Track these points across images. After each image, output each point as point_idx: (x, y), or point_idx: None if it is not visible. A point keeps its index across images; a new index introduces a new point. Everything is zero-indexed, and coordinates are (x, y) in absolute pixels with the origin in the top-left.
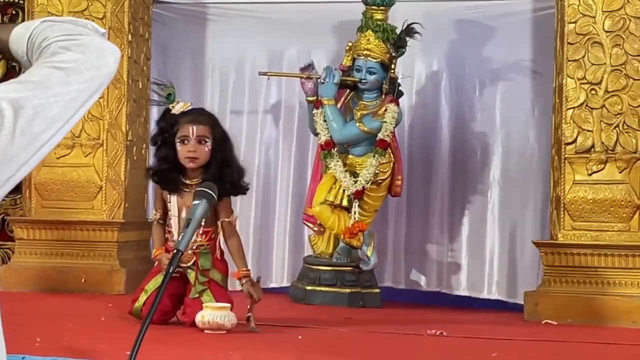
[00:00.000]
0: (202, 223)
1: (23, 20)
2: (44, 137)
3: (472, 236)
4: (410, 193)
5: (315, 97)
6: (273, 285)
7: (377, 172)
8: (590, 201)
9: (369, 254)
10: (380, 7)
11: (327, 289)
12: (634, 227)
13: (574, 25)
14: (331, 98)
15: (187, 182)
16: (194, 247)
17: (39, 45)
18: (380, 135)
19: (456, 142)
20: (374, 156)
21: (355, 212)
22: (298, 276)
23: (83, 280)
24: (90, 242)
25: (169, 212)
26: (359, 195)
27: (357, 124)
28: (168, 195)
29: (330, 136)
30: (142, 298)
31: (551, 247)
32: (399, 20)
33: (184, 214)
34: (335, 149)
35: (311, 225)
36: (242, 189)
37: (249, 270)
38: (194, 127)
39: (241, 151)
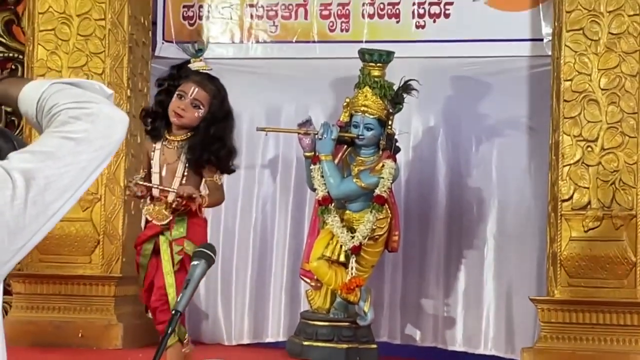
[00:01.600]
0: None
1: (23, 75)
2: (55, 206)
3: (468, 291)
4: (407, 248)
5: (313, 153)
6: (269, 339)
7: (374, 227)
8: (587, 258)
9: (366, 309)
10: (378, 64)
11: (324, 344)
12: (630, 284)
13: (570, 82)
14: (329, 154)
15: (170, 137)
16: (171, 205)
17: (48, 110)
18: (377, 191)
19: (453, 197)
20: (371, 212)
21: (352, 268)
22: (295, 331)
23: (80, 335)
24: (87, 297)
25: (151, 169)
26: (356, 250)
27: (354, 180)
28: (152, 153)
29: (328, 192)
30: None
31: (548, 304)
32: (396, 77)
33: (164, 172)
34: (333, 204)
35: (308, 281)
36: (227, 167)
37: (201, 199)
38: (195, 89)
39: (238, 206)
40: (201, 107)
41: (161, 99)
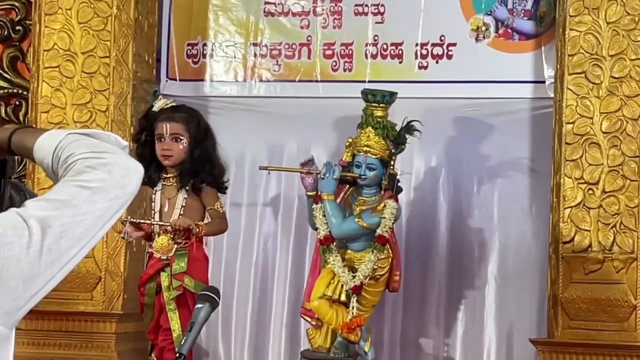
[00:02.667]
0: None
1: (27, 112)
2: (70, 254)
3: (468, 331)
4: (407, 287)
5: (315, 192)
6: None
7: (375, 267)
8: (587, 300)
9: (366, 349)
10: (381, 105)
11: None
12: (631, 327)
13: (571, 125)
14: (331, 193)
15: (166, 176)
16: (173, 237)
17: (64, 160)
18: (379, 231)
19: (454, 238)
20: (372, 252)
21: (353, 307)
22: None
23: None
24: (88, 333)
25: (152, 211)
26: (357, 290)
27: (356, 220)
28: (153, 195)
29: (330, 231)
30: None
31: (548, 345)
32: (398, 117)
33: (166, 208)
34: (334, 243)
35: (309, 319)
36: (221, 186)
37: (198, 228)
38: (168, 125)
39: (239, 243)
40: (181, 137)
41: (141, 152)
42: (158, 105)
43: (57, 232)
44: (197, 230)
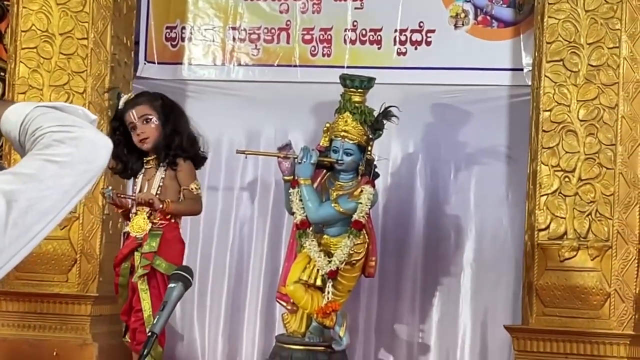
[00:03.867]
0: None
1: (4, 93)
2: (36, 229)
3: (444, 318)
4: (383, 273)
5: (292, 177)
6: None
7: (351, 252)
8: (562, 288)
9: (341, 334)
10: (359, 90)
11: None
12: (605, 314)
13: (549, 113)
14: (308, 178)
15: (147, 159)
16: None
17: (32, 133)
18: (355, 216)
19: (430, 224)
20: (348, 237)
21: (328, 292)
22: (270, 354)
23: (55, 354)
24: (63, 315)
25: (133, 193)
26: (333, 275)
27: (332, 205)
28: (136, 180)
29: (306, 216)
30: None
31: (522, 332)
32: (376, 103)
33: (145, 188)
34: (311, 228)
35: (284, 304)
36: (196, 157)
37: (163, 204)
38: (133, 111)
39: (215, 227)
40: (150, 116)
41: (116, 153)
42: (122, 100)
43: (22, 206)
44: (162, 206)
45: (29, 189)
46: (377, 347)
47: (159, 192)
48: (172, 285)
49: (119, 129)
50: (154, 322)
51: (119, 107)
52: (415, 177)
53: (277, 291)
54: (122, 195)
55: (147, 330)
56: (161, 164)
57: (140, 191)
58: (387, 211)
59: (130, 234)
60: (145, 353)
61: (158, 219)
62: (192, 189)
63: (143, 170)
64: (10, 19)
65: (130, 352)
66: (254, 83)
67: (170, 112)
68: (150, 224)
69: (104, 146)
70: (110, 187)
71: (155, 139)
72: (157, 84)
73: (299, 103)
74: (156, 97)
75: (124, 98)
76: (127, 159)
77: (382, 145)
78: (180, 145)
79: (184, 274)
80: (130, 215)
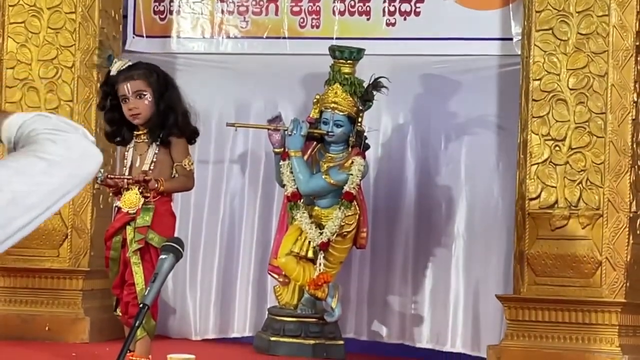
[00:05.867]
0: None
1: None
2: (19, 223)
3: (436, 288)
4: (375, 245)
5: (283, 149)
6: (235, 335)
7: (342, 224)
8: (553, 256)
9: (333, 305)
10: (348, 61)
11: (291, 340)
12: (596, 283)
13: (538, 82)
14: (298, 150)
15: (137, 133)
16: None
17: (27, 135)
18: (346, 188)
19: (421, 195)
20: (339, 208)
21: (320, 264)
22: (262, 327)
23: (47, 329)
24: (54, 290)
25: (124, 167)
26: (324, 247)
27: (323, 176)
28: (126, 153)
29: (297, 188)
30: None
31: (514, 302)
32: (366, 74)
33: (137, 164)
34: (302, 200)
35: (276, 276)
36: (190, 133)
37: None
38: (128, 85)
39: (206, 200)
40: (144, 93)
41: (110, 117)
42: (115, 67)
43: (6, 198)
44: (156, 185)
45: (15, 182)
46: (369, 319)
47: (152, 167)
48: (163, 256)
49: (110, 94)
50: (145, 293)
51: (112, 74)
52: (406, 148)
53: (269, 263)
54: (113, 177)
55: (139, 302)
56: (155, 142)
57: (132, 166)
58: (378, 182)
59: (122, 209)
60: (137, 325)
61: (150, 193)
62: (185, 164)
63: (133, 144)
64: None
65: (122, 325)
66: (243, 55)
67: (165, 89)
68: (142, 199)
69: (95, 156)
70: (101, 169)
71: (147, 116)
72: (146, 58)
73: (288, 75)
74: (152, 71)
75: (117, 64)
76: (120, 125)
77: (372, 117)
78: (174, 124)
79: (175, 245)
80: (122, 190)
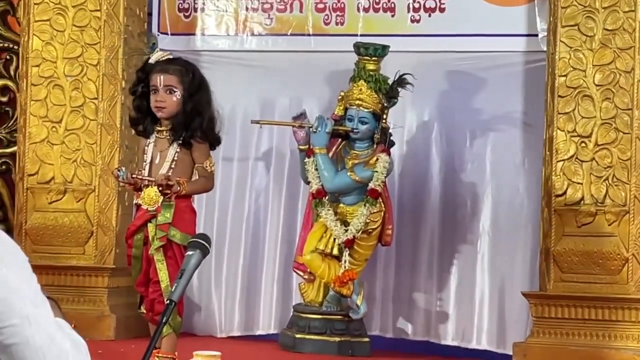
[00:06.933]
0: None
1: (17, 66)
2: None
3: (461, 286)
4: (400, 242)
5: (307, 146)
6: (260, 332)
7: (367, 221)
8: (579, 253)
9: (358, 302)
10: (373, 58)
11: (316, 337)
12: (623, 279)
13: (564, 78)
14: (323, 147)
15: (159, 128)
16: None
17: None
18: (371, 185)
19: (446, 192)
20: (364, 205)
21: (345, 261)
22: (287, 324)
23: (73, 326)
24: (80, 288)
25: (144, 162)
26: (349, 244)
27: (348, 173)
28: (146, 147)
29: (322, 185)
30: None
31: (540, 299)
32: (391, 71)
33: (157, 160)
34: (327, 197)
35: (301, 273)
36: (212, 139)
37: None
38: (162, 77)
39: (231, 198)
40: (175, 89)
41: (138, 104)
42: (155, 57)
43: (25, 331)
44: (179, 188)
45: (37, 332)
46: (394, 316)
47: (173, 165)
48: (190, 252)
49: (143, 81)
50: (172, 290)
51: (150, 61)
52: (431, 145)
53: (294, 261)
54: (136, 177)
55: (165, 299)
56: (177, 141)
57: (151, 162)
58: (403, 179)
59: (142, 206)
60: (164, 321)
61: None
62: (206, 166)
63: (154, 139)
64: None
65: (147, 323)
66: (267, 53)
67: (197, 91)
68: (162, 197)
69: None
70: (123, 168)
71: (172, 112)
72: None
73: (313, 72)
74: (188, 70)
75: (157, 54)
76: (145, 114)
77: (397, 113)
78: (198, 127)
79: (201, 241)
80: (142, 187)
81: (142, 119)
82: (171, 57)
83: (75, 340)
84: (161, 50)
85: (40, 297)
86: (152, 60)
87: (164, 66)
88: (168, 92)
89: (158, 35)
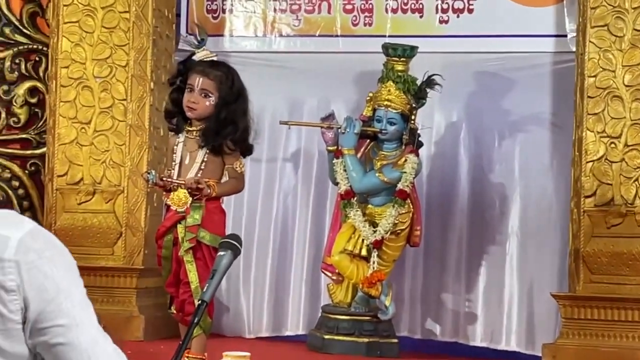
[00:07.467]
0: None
1: (46, 68)
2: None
3: (489, 287)
4: (428, 243)
5: (336, 147)
6: (289, 333)
7: (396, 222)
8: (609, 254)
9: (387, 303)
10: (401, 59)
11: (345, 338)
12: None
13: (594, 79)
14: (351, 148)
15: (191, 128)
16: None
17: None
18: (399, 186)
19: (475, 193)
20: (393, 206)
21: (374, 262)
22: (316, 325)
23: (102, 326)
24: (109, 288)
25: (173, 162)
26: (377, 245)
27: (376, 174)
28: (175, 146)
29: (350, 186)
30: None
31: (569, 300)
32: (419, 71)
33: (186, 161)
34: (355, 198)
35: (330, 274)
36: (245, 149)
37: (210, 189)
38: (201, 79)
39: (259, 199)
40: (210, 94)
41: (175, 97)
42: (199, 55)
43: (65, 334)
44: (209, 191)
45: (80, 334)
46: (423, 317)
47: (202, 167)
48: (221, 253)
49: (183, 75)
50: (204, 290)
51: (194, 58)
52: (459, 146)
53: (322, 262)
54: (165, 180)
55: (197, 299)
56: (206, 147)
57: (181, 162)
58: (432, 180)
59: (171, 207)
60: (195, 322)
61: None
62: (236, 167)
63: (183, 138)
64: None
65: (177, 323)
66: (295, 54)
67: (234, 100)
68: (191, 198)
69: None
70: (153, 171)
71: (202, 115)
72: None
73: (341, 73)
74: (228, 78)
75: (202, 53)
76: (180, 110)
77: (425, 114)
78: (230, 136)
79: (233, 242)
80: (172, 187)
81: (176, 113)
82: (215, 59)
83: (115, 346)
84: (180, 52)
85: (86, 300)
86: (196, 58)
87: (206, 69)
88: (203, 95)
89: (186, 36)
